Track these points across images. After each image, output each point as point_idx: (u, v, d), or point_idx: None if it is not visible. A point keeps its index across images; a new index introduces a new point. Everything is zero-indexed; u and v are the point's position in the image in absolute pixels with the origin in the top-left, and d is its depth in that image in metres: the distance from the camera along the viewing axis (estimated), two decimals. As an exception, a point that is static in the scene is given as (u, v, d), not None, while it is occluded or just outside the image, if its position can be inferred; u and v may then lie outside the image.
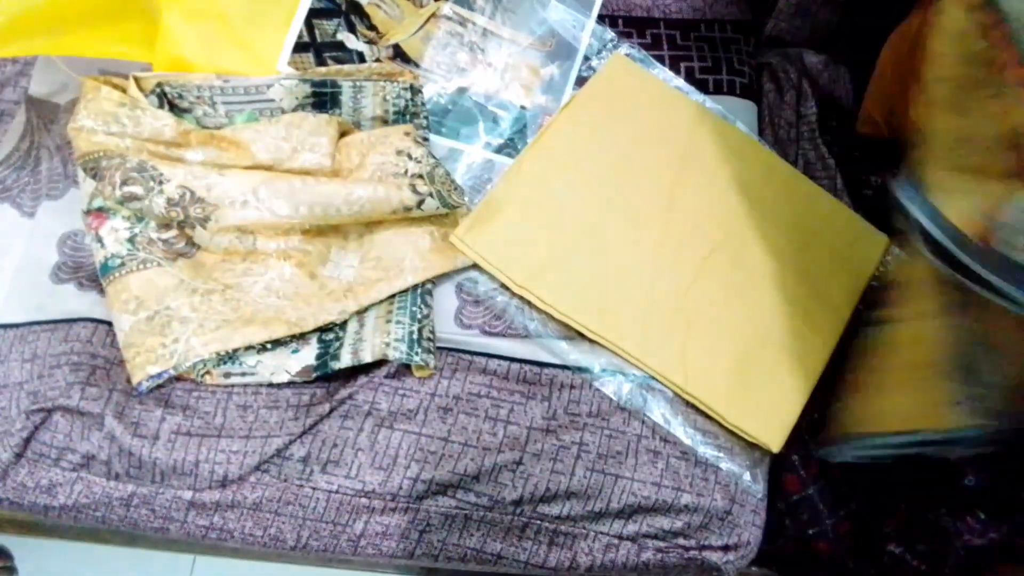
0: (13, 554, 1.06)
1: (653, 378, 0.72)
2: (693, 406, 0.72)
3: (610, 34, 0.88)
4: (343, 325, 0.73)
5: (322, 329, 0.72)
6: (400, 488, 0.68)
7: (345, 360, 0.70)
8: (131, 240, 0.72)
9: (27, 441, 0.67)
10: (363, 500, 0.68)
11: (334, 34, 0.82)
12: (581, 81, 0.85)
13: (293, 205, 0.71)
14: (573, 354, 0.73)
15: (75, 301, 0.72)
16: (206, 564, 1.09)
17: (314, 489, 0.68)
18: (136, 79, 0.74)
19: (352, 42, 0.83)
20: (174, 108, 0.76)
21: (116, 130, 0.72)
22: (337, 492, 0.68)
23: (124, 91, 0.74)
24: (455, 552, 0.69)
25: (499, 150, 0.83)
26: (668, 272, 0.76)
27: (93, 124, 0.72)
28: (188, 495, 0.67)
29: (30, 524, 0.94)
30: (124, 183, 0.70)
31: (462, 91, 0.85)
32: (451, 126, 0.84)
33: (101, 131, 0.72)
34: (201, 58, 0.75)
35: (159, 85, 0.74)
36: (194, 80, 0.74)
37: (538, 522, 0.69)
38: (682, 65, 0.89)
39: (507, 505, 0.68)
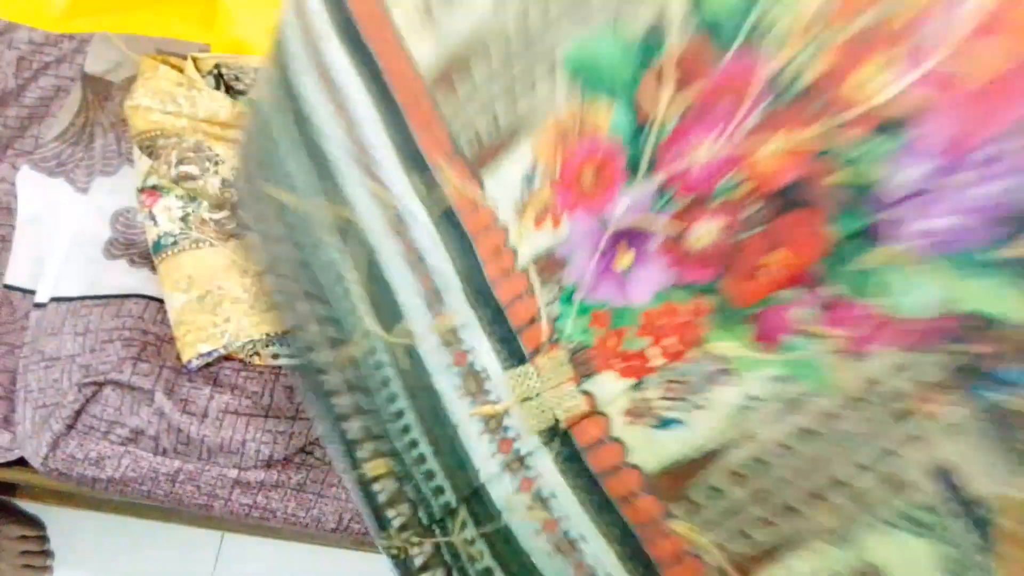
0: (45, 524, 1.08)
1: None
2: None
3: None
4: (389, 312, 0.73)
5: (368, 315, 0.73)
6: (442, 476, 0.68)
7: (389, 347, 0.70)
8: (184, 219, 0.72)
9: (78, 413, 0.68)
10: (405, 486, 0.68)
11: (388, 21, 0.82)
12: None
13: (345, 191, 0.71)
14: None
15: (127, 277, 0.73)
16: (233, 542, 1.10)
17: (357, 473, 0.68)
18: (194, 59, 0.74)
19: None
20: (230, 90, 0.76)
21: (172, 109, 0.73)
22: (380, 477, 0.68)
23: (181, 71, 0.74)
24: (493, 542, 0.69)
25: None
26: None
27: (150, 103, 0.73)
28: (233, 473, 0.68)
29: (66, 494, 0.95)
30: (180, 163, 0.70)
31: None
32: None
33: (158, 110, 0.73)
34: (259, 41, 0.76)
35: (216, 67, 0.74)
36: (251, 63, 0.75)
37: None
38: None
39: None
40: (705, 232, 0.29)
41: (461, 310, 0.35)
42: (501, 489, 0.35)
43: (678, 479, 0.32)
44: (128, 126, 0.74)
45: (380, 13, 0.36)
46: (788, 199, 0.28)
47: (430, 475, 0.37)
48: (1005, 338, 0.26)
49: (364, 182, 0.36)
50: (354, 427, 0.38)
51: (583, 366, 0.33)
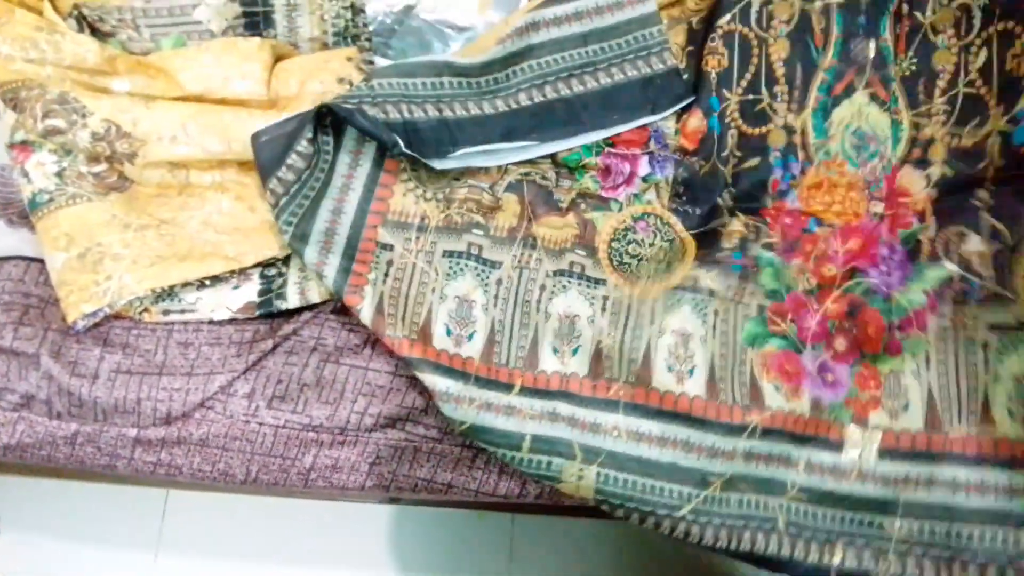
0: (-12, 491, 1.07)
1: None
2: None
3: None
4: (286, 260, 0.71)
5: (264, 264, 0.70)
6: (348, 422, 0.68)
7: (293, 300, 0.69)
8: (59, 174, 0.69)
9: (-36, 382, 0.66)
10: (311, 434, 0.68)
11: (267, -51, 0.77)
12: (534, -2, 0.80)
13: (225, 141, 0.68)
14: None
15: (6, 238, 0.70)
16: (179, 498, 1.11)
17: (260, 424, 0.67)
18: (51, 0, 0.69)
19: (287, -43, 0.77)
20: (96, 32, 0.71)
21: (36, 56, 0.68)
22: (284, 427, 0.68)
23: (40, 13, 0.69)
24: (406, 483, 0.69)
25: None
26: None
27: (10, 50, 0.68)
28: (133, 432, 0.67)
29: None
30: (45, 116, 0.66)
31: (409, 9, 0.80)
32: (398, 48, 0.80)
33: (20, 58, 0.68)
34: (119, -23, 0.70)
35: (76, 7, 0.69)
36: (113, 1, 0.70)
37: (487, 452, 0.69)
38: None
39: (456, 436, 0.68)
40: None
41: None
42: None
43: None
44: (-8, 78, 0.69)
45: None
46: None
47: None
48: None
49: None
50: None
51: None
